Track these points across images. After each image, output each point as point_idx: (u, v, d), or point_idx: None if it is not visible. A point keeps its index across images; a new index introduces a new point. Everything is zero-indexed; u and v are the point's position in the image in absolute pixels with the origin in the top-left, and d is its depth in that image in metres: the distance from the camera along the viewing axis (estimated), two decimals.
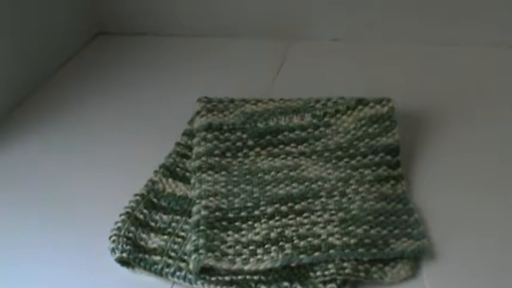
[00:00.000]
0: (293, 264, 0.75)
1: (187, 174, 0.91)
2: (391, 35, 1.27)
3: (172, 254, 0.78)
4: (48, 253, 0.81)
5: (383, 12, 1.27)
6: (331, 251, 0.75)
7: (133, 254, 0.78)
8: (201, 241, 0.77)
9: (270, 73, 1.20)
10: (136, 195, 0.86)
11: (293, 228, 0.79)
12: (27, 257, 0.81)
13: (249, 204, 0.84)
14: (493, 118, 1.02)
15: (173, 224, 0.83)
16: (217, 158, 0.92)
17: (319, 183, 0.86)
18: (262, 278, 0.74)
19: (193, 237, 0.78)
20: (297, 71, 1.21)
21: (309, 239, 0.77)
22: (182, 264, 0.77)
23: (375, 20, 1.28)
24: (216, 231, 0.79)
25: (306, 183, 0.86)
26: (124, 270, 0.78)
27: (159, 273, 0.76)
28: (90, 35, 1.39)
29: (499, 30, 1.22)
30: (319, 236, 0.77)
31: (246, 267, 0.75)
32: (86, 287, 0.77)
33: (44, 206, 0.89)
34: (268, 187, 0.86)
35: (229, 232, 0.79)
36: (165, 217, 0.84)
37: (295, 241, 0.77)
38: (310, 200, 0.83)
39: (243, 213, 0.82)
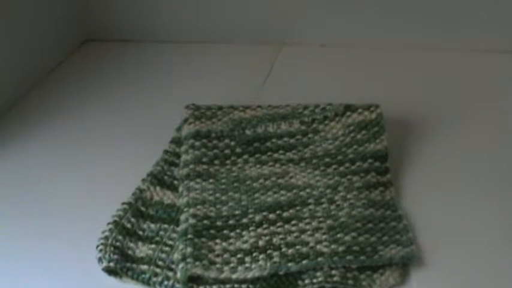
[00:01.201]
0: (281, 273, 0.74)
1: (175, 182, 0.90)
2: (379, 41, 1.27)
3: (160, 263, 0.78)
4: (33, 263, 0.81)
5: (371, 18, 1.27)
6: (320, 259, 0.75)
7: (120, 263, 0.77)
8: (189, 250, 0.76)
9: (258, 79, 1.20)
10: (123, 203, 0.86)
11: (281, 236, 0.79)
12: (12, 267, 0.80)
13: (237, 212, 0.83)
14: (482, 123, 1.02)
15: (161, 233, 0.82)
16: (205, 166, 0.91)
17: (308, 190, 0.86)
18: (250, 286, 0.74)
19: (181, 246, 0.78)
20: (285, 77, 1.21)
21: (297, 246, 0.77)
22: (170, 273, 0.76)
23: (363, 26, 1.28)
24: (203, 239, 0.79)
25: (294, 191, 0.86)
26: (111, 279, 0.77)
27: (147, 283, 0.76)
28: (77, 42, 1.39)
29: (490, 36, 1.23)
30: (307, 243, 0.77)
31: (234, 276, 0.74)
32: None
33: (29, 216, 0.89)
34: (256, 195, 0.86)
35: (217, 240, 0.79)
36: (152, 226, 0.83)
37: (283, 249, 0.77)
38: (298, 208, 0.83)
39: (231, 221, 0.82)
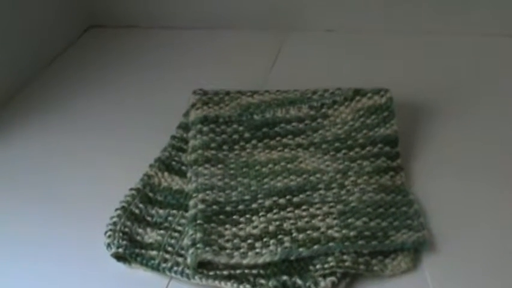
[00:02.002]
0: (292, 258, 0.74)
1: (183, 167, 0.90)
2: (387, 25, 1.26)
3: (169, 248, 0.77)
4: (43, 249, 0.80)
5: (378, 2, 1.26)
6: (331, 244, 0.74)
7: (129, 249, 0.77)
8: (199, 235, 0.76)
9: (266, 64, 1.19)
10: (131, 189, 0.85)
11: (292, 221, 0.78)
12: (23, 253, 0.80)
13: (247, 197, 0.82)
14: (493, 108, 1.02)
15: (169, 219, 0.82)
16: (213, 151, 0.91)
17: (318, 175, 0.85)
18: (261, 272, 0.73)
19: (191, 232, 0.77)
20: (292, 62, 1.20)
21: (308, 231, 0.76)
22: (179, 259, 0.76)
23: (370, 10, 1.27)
24: (213, 225, 0.78)
25: (304, 176, 0.85)
26: (120, 265, 0.77)
27: (156, 269, 0.75)
28: (82, 28, 1.38)
29: (499, 20, 1.21)
30: (318, 228, 0.77)
31: (245, 261, 0.74)
32: (82, 282, 0.76)
33: (37, 202, 0.88)
34: (265, 180, 0.85)
35: (227, 226, 0.78)
36: (161, 211, 0.83)
37: (294, 234, 0.76)
38: (308, 193, 0.82)
39: (240, 207, 0.81)
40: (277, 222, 0.78)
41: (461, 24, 1.23)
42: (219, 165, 0.88)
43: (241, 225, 0.79)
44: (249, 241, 0.76)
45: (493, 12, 1.21)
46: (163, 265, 0.75)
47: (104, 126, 1.04)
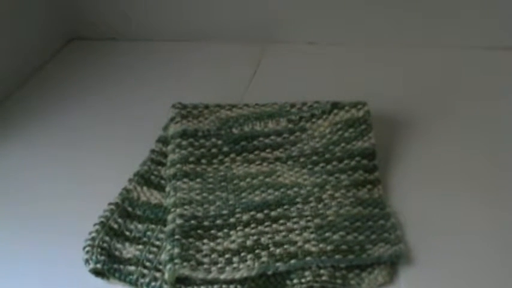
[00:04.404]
0: (269, 272, 0.74)
1: (162, 182, 0.90)
2: (367, 38, 1.27)
3: (148, 263, 0.77)
4: (20, 265, 0.80)
5: (359, 15, 1.26)
6: (308, 258, 0.75)
7: (107, 265, 0.76)
8: (176, 250, 0.76)
9: (245, 77, 1.19)
10: (110, 204, 0.85)
11: (269, 235, 0.78)
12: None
13: (225, 211, 0.83)
14: (470, 120, 1.02)
15: (148, 233, 0.82)
16: (192, 165, 0.91)
17: (295, 189, 0.86)
18: (239, 286, 0.74)
19: (168, 247, 0.77)
20: (272, 74, 1.20)
21: (285, 246, 0.77)
22: (157, 274, 0.76)
23: (351, 23, 1.27)
24: (191, 240, 0.78)
25: (282, 190, 0.85)
26: (98, 281, 0.77)
27: (134, 284, 0.75)
28: (64, 41, 1.38)
29: (478, 32, 1.22)
30: (295, 243, 0.77)
31: (222, 276, 0.74)
32: None
33: (13, 218, 0.88)
34: (243, 194, 0.86)
35: (205, 240, 0.79)
36: (140, 226, 0.83)
37: (271, 249, 0.76)
38: (286, 207, 0.83)
39: (218, 221, 0.81)
40: (255, 237, 0.78)
41: (440, 37, 1.24)
42: (198, 180, 0.89)
43: (219, 240, 0.79)
44: (227, 256, 0.76)
45: (471, 24, 1.22)
46: (141, 280, 0.75)
47: (83, 139, 1.04)
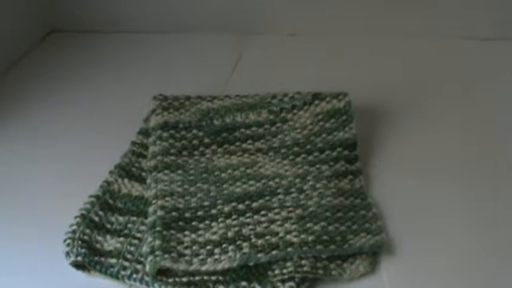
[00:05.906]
0: (251, 263, 0.74)
1: (143, 174, 0.89)
2: (348, 29, 1.27)
3: (129, 256, 0.77)
4: (1, 261, 0.79)
5: (341, 6, 1.26)
6: (289, 249, 0.74)
7: (88, 257, 0.76)
8: (157, 242, 0.76)
9: (227, 69, 1.19)
10: (91, 196, 0.85)
11: (250, 226, 0.78)
12: None
13: (206, 203, 0.82)
14: (451, 111, 1.03)
15: (129, 226, 0.81)
16: (173, 157, 0.90)
17: (277, 180, 0.86)
18: (220, 278, 0.73)
19: (150, 239, 0.77)
20: (253, 66, 1.20)
21: (267, 237, 0.76)
22: (139, 267, 0.75)
23: (332, 14, 1.28)
24: (172, 231, 0.78)
25: (263, 181, 0.85)
26: (79, 274, 0.76)
27: (115, 276, 0.75)
28: (43, 33, 1.37)
29: (460, 22, 1.23)
30: (276, 234, 0.77)
31: (204, 268, 0.74)
32: None
33: None
34: (225, 185, 0.85)
35: (186, 232, 0.78)
36: (121, 218, 0.82)
37: (253, 240, 0.76)
38: (267, 198, 0.83)
39: (199, 213, 0.81)
40: (236, 228, 0.78)
41: (422, 27, 1.25)
42: (179, 171, 0.88)
43: (200, 232, 0.78)
44: (208, 247, 0.76)
45: (453, 14, 1.23)
46: (123, 273, 0.75)
47: (64, 132, 1.03)
